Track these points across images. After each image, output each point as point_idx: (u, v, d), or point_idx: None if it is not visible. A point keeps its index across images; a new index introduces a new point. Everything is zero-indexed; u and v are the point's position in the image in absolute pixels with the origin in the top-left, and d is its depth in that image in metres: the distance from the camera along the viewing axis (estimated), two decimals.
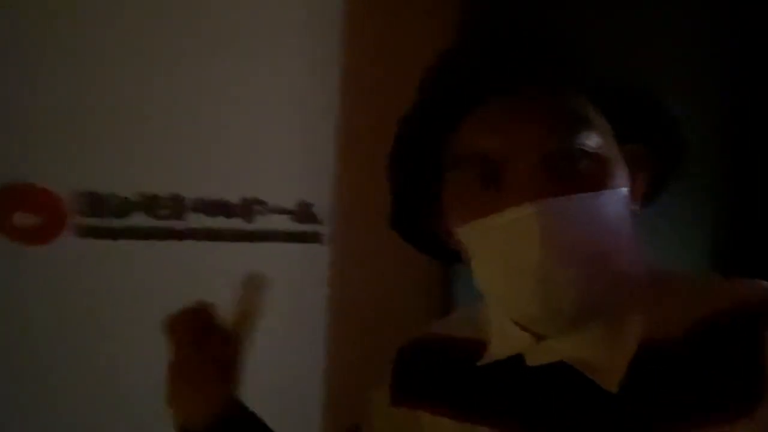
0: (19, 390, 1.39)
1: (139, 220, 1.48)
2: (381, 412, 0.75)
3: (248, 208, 1.55)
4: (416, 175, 0.64)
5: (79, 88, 1.40)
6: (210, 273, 1.51)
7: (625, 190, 0.58)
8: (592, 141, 0.56)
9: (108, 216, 1.46)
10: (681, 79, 1.53)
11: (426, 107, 0.62)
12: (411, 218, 0.68)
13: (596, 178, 0.56)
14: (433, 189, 0.63)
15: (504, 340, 0.64)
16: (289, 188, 1.58)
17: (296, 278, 1.59)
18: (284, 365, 1.55)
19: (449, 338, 0.72)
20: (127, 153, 1.45)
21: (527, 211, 0.53)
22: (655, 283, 0.61)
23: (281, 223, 1.58)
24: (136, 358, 1.40)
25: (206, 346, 0.68)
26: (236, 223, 1.55)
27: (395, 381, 0.74)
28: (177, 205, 1.51)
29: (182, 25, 1.48)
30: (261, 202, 1.56)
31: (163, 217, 1.50)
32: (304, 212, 1.60)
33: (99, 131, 1.42)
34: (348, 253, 1.55)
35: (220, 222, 1.54)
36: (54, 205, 1.40)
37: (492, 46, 0.60)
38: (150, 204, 1.49)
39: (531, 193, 0.54)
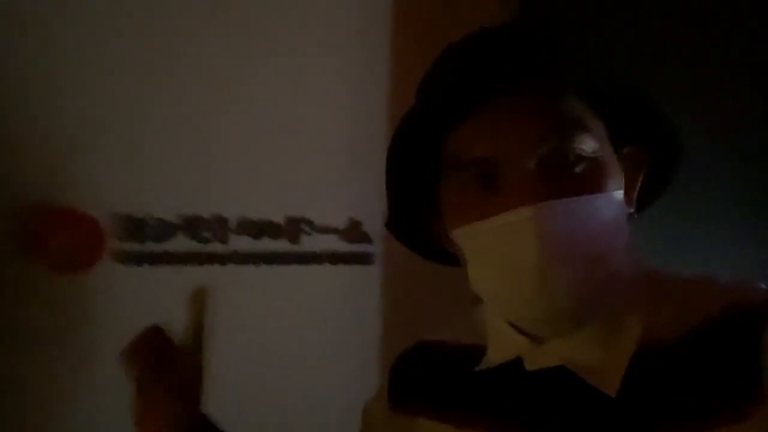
0: (59, 419, 1.34)
1: (180, 243, 1.41)
2: (379, 423, 0.76)
3: (294, 228, 1.47)
4: (415, 176, 0.64)
5: (113, 106, 1.35)
6: (255, 298, 1.45)
7: (620, 193, 0.59)
8: (588, 144, 0.57)
9: (148, 240, 1.39)
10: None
11: (425, 108, 0.62)
12: (408, 218, 0.68)
13: (592, 181, 0.57)
14: (431, 189, 0.64)
15: (501, 344, 0.64)
16: (337, 205, 1.51)
17: (347, 302, 1.51)
18: (338, 391, 1.47)
19: (447, 344, 0.72)
20: (165, 172, 1.39)
21: (525, 214, 0.54)
22: (653, 286, 0.62)
23: (329, 243, 1.51)
24: None
25: (164, 367, 0.70)
26: (282, 245, 1.47)
27: (394, 389, 0.75)
28: (220, 227, 1.43)
29: (223, 44, 1.42)
30: (308, 222, 1.48)
31: (205, 240, 1.43)
32: (353, 231, 1.52)
33: (135, 150, 1.37)
34: (401, 274, 1.47)
35: (265, 244, 1.46)
36: (92, 229, 1.35)
37: (492, 47, 0.60)
38: (191, 226, 1.42)
39: (528, 195, 0.55)
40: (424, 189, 0.64)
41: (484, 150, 0.57)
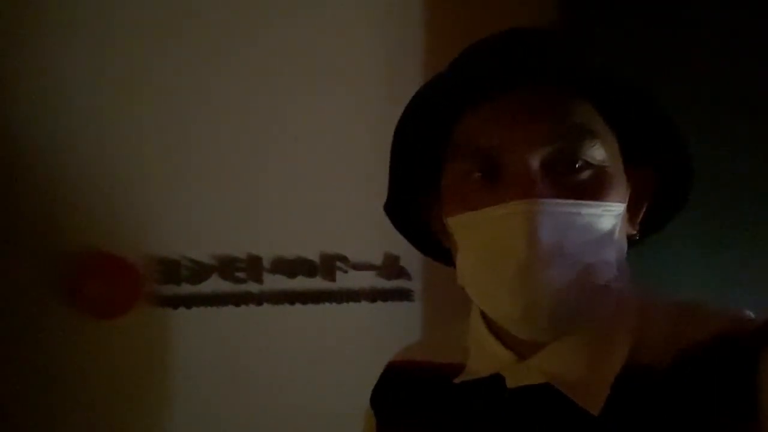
0: None
1: (215, 285, 1.39)
2: None
3: (329, 265, 1.44)
4: (417, 162, 0.65)
5: (146, 150, 1.36)
6: (291, 338, 1.42)
7: (621, 207, 0.58)
8: (597, 153, 0.57)
9: (183, 282, 1.38)
10: None
11: (432, 95, 0.61)
12: (407, 204, 0.68)
13: (594, 190, 0.56)
14: (432, 176, 0.64)
15: (485, 357, 0.64)
16: (373, 241, 1.46)
17: (386, 340, 1.44)
18: None
19: (432, 365, 0.71)
20: (199, 214, 1.38)
21: (520, 208, 0.54)
22: (645, 308, 0.61)
23: (366, 280, 1.47)
24: None
25: None
26: (317, 283, 1.44)
27: (379, 407, 0.75)
28: (254, 267, 1.41)
29: (255, 85, 1.43)
30: (343, 258, 1.45)
31: (240, 281, 1.40)
32: (390, 267, 1.48)
33: (169, 193, 1.37)
34: (442, 311, 1.40)
35: (300, 283, 1.43)
36: (128, 273, 1.34)
37: (511, 42, 0.61)
38: (226, 267, 1.40)
39: (526, 191, 0.54)
40: (426, 175, 0.64)
41: (489, 140, 0.57)
